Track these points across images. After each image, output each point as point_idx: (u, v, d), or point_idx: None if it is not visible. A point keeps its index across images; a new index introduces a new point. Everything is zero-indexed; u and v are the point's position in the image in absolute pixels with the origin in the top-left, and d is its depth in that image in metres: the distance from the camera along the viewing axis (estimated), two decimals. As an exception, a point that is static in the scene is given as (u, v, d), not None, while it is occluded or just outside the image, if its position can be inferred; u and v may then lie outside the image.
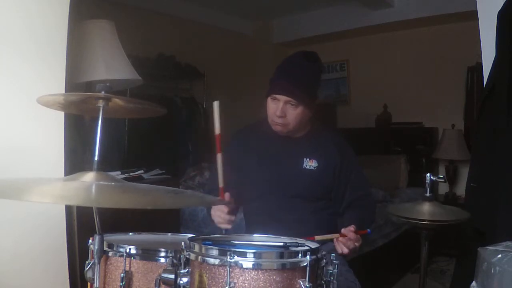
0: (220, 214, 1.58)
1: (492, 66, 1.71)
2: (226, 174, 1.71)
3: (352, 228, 1.48)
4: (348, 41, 5.00)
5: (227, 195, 1.54)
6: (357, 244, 1.49)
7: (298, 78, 1.60)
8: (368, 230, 1.53)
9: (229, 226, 1.58)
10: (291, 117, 1.62)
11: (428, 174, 1.49)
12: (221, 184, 1.52)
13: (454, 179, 4.21)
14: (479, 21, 1.85)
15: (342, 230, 1.49)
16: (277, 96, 1.60)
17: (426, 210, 1.46)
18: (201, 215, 2.87)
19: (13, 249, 1.62)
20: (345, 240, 1.48)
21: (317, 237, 1.48)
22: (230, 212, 1.59)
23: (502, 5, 1.61)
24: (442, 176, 1.54)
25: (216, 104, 1.38)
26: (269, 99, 1.64)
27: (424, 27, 4.38)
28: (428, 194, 1.49)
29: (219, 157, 1.45)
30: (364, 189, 1.76)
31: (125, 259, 1.14)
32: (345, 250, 1.48)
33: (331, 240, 1.53)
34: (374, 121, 4.72)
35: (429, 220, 1.42)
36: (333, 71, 5.18)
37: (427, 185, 1.49)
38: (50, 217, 1.72)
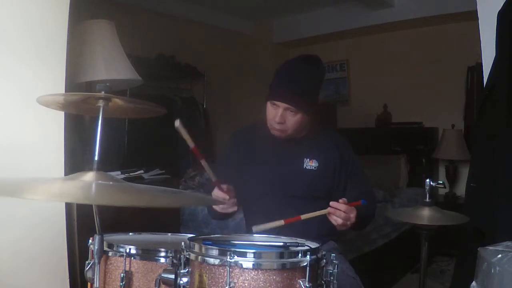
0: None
1: (492, 66, 1.71)
2: (228, 175, 1.71)
3: (341, 200, 1.48)
4: (348, 41, 4.99)
5: (224, 187, 1.54)
6: (351, 215, 1.48)
7: (298, 85, 1.58)
8: (362, 200, 1.51)
9: (234, 209, 1.60)
10: (290, 123, 1.61)
11: (428, 180, 1.49)
12: (214, 179, 1.52)
13: (454, 179, 4.21)
14: (479, 21, 1.85)
15: (331, 203, 1.48)
16: (277, 103, 1.59)
17: (425, 215, 1.47)
18: (201, 215, 2.87)
19: (13, 248, 1.62)
20: (334, 211, 1.47)
21: (303, 216, 1.48)
22: (231, 197, 1.58)
23: (502, 5, 1.62)
24: (441, 182, 1.55)
25: (177, 123, 1.37)
26: (268, 104, 1.64)
27: (424, 27, 4.37)
28: (427, 200, 1.49)
29: (203, 162, 1.47)
30: (365, 188, 1.76)
31: (125, 259, 1.14)
32: (339, 221, 1.47)
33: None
34: (374, 121, 4.72)
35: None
36: (333, 71, 5.18)
37: (426, 190, 1.49)
38: (50, 216, 1.72)
